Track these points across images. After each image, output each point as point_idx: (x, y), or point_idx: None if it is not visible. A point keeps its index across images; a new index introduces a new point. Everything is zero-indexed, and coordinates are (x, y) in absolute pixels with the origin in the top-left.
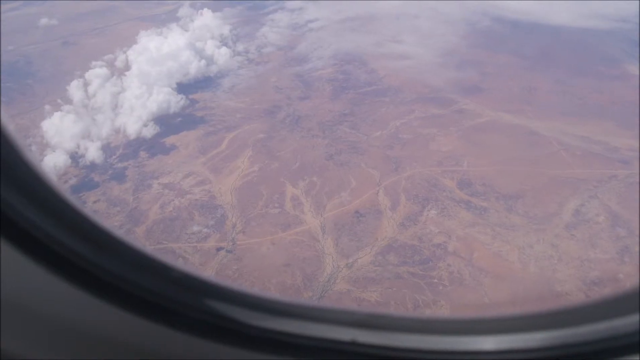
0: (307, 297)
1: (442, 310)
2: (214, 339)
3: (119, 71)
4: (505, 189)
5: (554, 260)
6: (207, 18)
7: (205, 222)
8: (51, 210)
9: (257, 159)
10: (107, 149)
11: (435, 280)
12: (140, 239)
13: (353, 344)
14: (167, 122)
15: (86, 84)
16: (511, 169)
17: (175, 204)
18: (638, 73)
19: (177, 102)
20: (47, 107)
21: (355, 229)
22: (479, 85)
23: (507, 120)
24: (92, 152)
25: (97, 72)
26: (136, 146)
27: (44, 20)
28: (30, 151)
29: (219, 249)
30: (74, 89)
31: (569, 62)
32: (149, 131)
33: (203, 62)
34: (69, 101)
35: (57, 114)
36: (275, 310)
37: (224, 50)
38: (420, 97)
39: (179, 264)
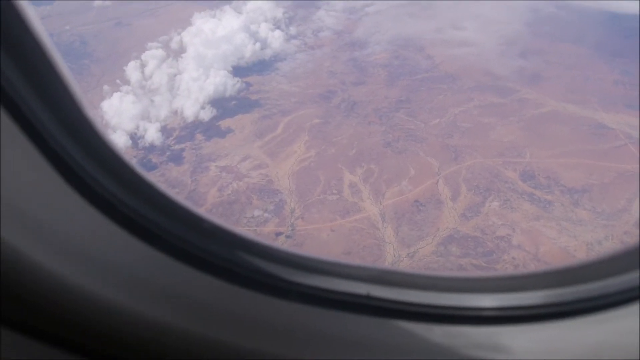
0: None
1: None
2: (238, 283)
3: (175, 53)
4: (570, 182)
5: None
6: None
7: (264, 207)
8: (53, 102)
9: (313, 144)
10: (164, 130)
11: None
12: None
13: (368, 297)
14: (222, 105)
15: (143, 65)
16: (576, 161)
17: (233, 187)
18: None
19: (233, 85)
20: (105, 87)
21: (415, 218)
22: (541, 74)
23: (571, 111)
24: (151, 134)
25: (153, 54)
26: (192, 128)
27: (98, 2)
28: (41, 28)
29: (278, 234)
30: (131, 70)
31: (637, 53)
32: (206, 114)
33: (258, 45)
34: (126, 82)
35: (116, 95)
36: (300, 265)
37: (277, 33)
38: (479, 85)
39: (208, 214)
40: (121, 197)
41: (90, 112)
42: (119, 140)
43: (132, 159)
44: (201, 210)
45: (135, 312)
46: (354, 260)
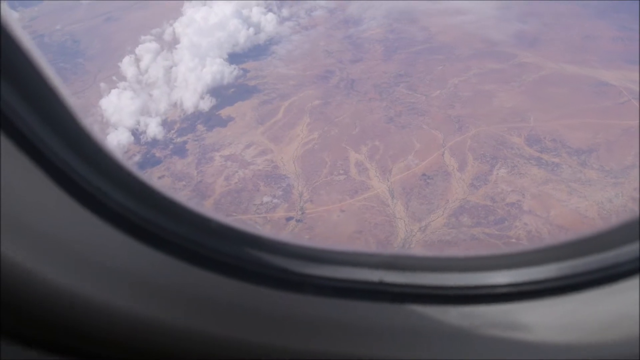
0: None
1: None
2: (251, 281)
3: (169, 45)
4: (576, 143)
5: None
6: None
7: (272, 192)
8: (58, 126)
9: (315, 126)
10: (165, 124)
11: (514, 240)
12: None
13: (381, 283)
14: (221, 94)
15: (137, 60)
16: (581, 122)
17: (239, 176)
18: None
19: (230, 72)
20: (102, 84)
21: (424, 191)
22: (538, 37)
23: (571, 71)
24: (153, 128)
25: (147, 47)
26: (193, 120)
27: None
28: (36, 51)
29: (288, 219)
30: (127, 65)
31: (634, 6)
32: (206, 104)
33: (251, 30)
34: (122, 78)
35: (114, 91)
36: (310, 257)
37: (270, 16)
38: (477, 53)
39: (214, 213)
40: (124, 204)
41: (84, 119)
42: (120, 137)
43: (136, 155)
44: (207, 209)
45: (147, 317)
46: (367, 238)
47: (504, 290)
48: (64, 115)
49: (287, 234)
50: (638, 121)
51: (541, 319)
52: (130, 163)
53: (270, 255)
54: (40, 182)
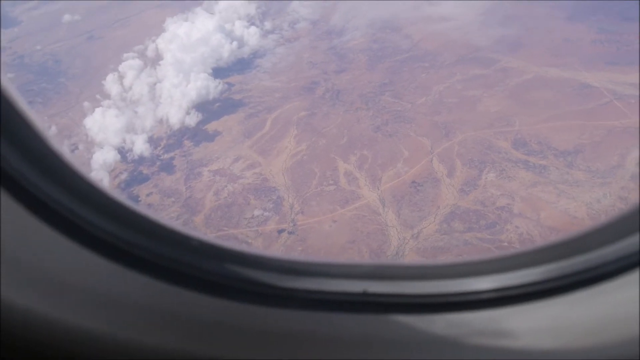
0: None
1: None
2: (235, 298)
3: (152, 61)
4: (562, 145)
5: None
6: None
7: (262, 206)
8: (51, 172)
9: (303, 137)
10: (152, 140)
11: (506, 244)
12: (200, 227)
13: (365, 294)
14: (207, 109)
15: (121, 77)
16: (565, 124)
17: (229, 190)
18: None
19: (215, 87)
20: (85, 104)
21: (414, 199)
22: (520, 41)
23: (554, 74)
24: (139, 145)
25: (130, 64)
26: (179, 135)
27: (66, 17)
28: (31, 112)
29: (280, 231)
30: (110, 83)
31: (611, 9)
32: (192, 119)
33: (235, 44)
34: (106, 96)
35: (98, 110)
36: (293, 270)
37: (253, 30)
38: (460, 59)
39: (195, 231)
40: (105, 228)
41: (59, 148)
42: (107, 155)
43: (123, 173)
44: (188, 228)
45: (134, 341)
46: (360, 248)
47: (489, 295)
48: (40, 146)
49: (278, 247)
50: (622, 121)
51: (529, 324)
52: (117, 181)
53: (254, 271)
54: (20, 216)
